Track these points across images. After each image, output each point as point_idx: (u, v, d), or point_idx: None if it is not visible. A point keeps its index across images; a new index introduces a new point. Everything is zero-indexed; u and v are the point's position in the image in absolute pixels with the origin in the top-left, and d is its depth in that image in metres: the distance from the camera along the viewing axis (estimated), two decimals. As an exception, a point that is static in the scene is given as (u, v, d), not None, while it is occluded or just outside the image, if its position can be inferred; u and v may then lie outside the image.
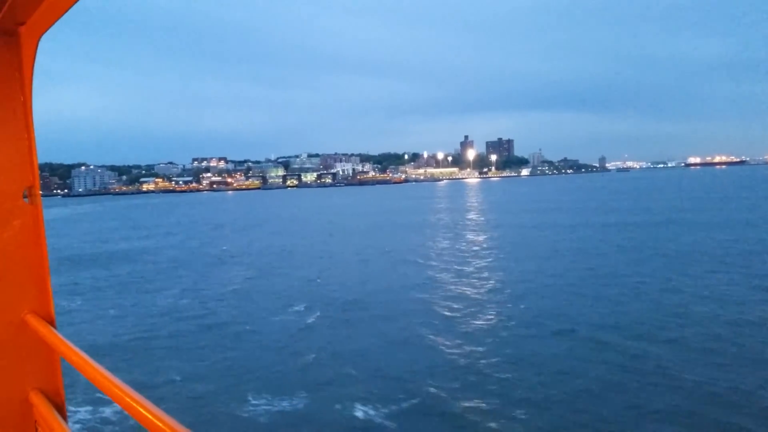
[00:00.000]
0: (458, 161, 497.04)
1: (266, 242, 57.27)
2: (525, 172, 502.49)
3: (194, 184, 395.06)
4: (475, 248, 45.99)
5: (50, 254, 2.54)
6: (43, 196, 2.57)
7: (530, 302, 26.29)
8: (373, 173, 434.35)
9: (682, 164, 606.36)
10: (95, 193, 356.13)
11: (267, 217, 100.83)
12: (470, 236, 55.32)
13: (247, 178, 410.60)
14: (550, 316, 23.74)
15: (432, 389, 16.22)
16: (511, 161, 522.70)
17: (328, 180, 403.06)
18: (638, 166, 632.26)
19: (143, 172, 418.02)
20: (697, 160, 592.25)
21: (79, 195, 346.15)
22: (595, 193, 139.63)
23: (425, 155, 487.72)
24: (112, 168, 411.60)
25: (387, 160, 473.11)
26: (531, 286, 29.90)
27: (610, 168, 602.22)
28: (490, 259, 39.65)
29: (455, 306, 26.04)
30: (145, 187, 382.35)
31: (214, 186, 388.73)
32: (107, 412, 15.04)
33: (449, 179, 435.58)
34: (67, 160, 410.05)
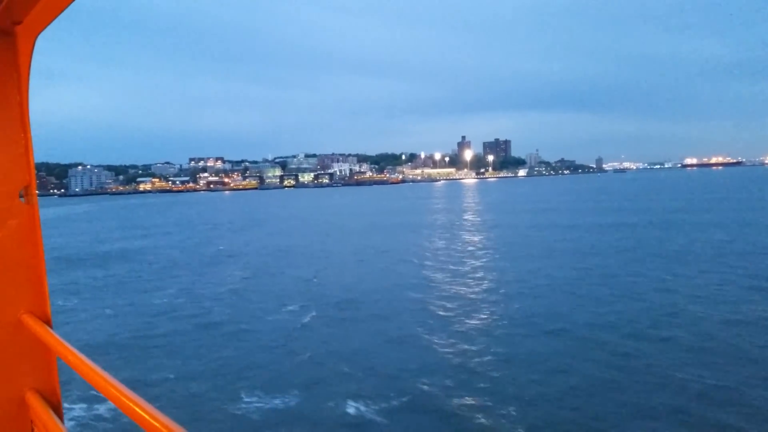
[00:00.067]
0: (455, 162, 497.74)
1: (263, 242, 57.35)
2: (522, 172, 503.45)
3: (191, 184, 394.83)
4: (471, 248, 46.18)
5: (46, 254, 2.52)
6: (39, 195, 2.56)
7: (524, 302, 26.47)
8: (371, 173, 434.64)
9: (679, 165, 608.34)
10: (92, 193, 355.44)
11: (264, 217, 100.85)
12: (466, 236, 55.51)
13: (244, 178, 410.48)
14: (544, 315, 23.93)
15: (425, 387, 16.38)
16: (508, 162, 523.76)
17: (325, 180, 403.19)
18: (635, 167, 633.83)
19: (140, 171, 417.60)
20: (694, 161, 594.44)
21: (76, 195, 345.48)
22: (593, 194, 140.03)
23: (422, 156, 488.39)
24: (109, 168, 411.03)
25: (384, 161, 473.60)
26: (525, 285, 30.09)
27: (607, 169, 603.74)
28: (485, 259, 39.84)
29: (450, 305, 26.21)
30: (141, 186, 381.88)
31: (211, 186, 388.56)
32: (101, 409, 15.17)
33: (446, 180, 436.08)
34: (64, 160, 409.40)
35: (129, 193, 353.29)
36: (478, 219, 77.57)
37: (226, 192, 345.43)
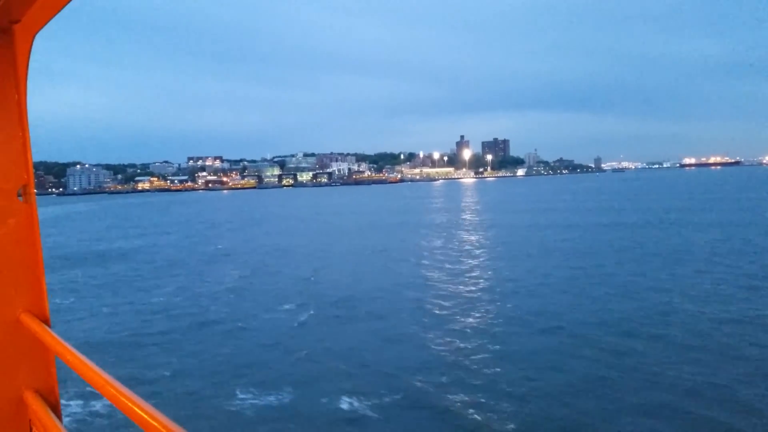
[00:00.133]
0: (454, 161, 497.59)
1: (261, 241, 57.47)
2: (520, 172, 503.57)
3: (189, 183, 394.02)
4: (468, 247, 46.35)
5: (45, 253, 2.52)
6: (37, 194, 2.56)
7: (521, 300, 26.65)
8: (369, 173, 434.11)
9: (678, 165, 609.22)
10: (90, 192, 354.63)
11: (262, 216, 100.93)
12: (464, 236, 55.69)
13: (243, 177, 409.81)
14: (539, 314, 24.11)
15: (419, 383, 16.56)
16: (506, 161, 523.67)
17: (324, 179, 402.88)
18: (633, 167, 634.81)
19: (138, 170, 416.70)
20: (692, 160, 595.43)
21: (74, 194, 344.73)
22: (591, 194, 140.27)
23: (421, 155, 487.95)
24: (108, 167, 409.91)
25: (383, 160, 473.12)
26: (521, 284, 30.27)
27: (606, 168, 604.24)
28: (482, 259, 40.02)
29: (446, 304, 26.38)
30: (140, 185, 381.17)
31: (210, 185, 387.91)
32: (98, 406, 15.31)
33: (445, 179, 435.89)
34: (62, 159, 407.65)
35: (127, 192, 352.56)
36: (476, 218, 77.76)
37: (225, 191, 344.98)
